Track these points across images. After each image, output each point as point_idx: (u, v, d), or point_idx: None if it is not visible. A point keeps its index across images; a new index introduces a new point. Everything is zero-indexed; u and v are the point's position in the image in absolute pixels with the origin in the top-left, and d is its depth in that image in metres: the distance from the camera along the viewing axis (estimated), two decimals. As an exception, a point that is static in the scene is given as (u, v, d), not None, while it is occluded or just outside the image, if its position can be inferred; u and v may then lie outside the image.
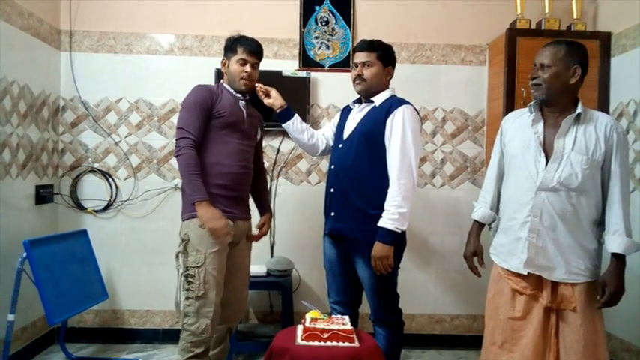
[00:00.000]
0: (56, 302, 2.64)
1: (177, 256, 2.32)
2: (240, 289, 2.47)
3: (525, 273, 1.97)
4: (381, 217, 2.21)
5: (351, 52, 3.34)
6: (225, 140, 2.33)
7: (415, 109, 2.35)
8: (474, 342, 3.25)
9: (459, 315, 3.44)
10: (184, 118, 2.28)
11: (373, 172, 2.28)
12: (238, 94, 2.43)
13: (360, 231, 2.27)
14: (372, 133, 2.29)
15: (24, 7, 2.91)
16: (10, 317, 2.57)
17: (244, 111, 2.43)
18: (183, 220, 2.34)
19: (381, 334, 2.38)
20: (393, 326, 2.40)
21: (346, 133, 2.40)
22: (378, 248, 2.19)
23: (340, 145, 2.40)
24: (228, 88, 2.43)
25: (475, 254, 2.23)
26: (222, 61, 2.47)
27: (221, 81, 2.50)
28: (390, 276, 2.29)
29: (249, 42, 2.41)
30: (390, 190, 2.21)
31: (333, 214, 2.37)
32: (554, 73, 1.94)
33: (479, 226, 2.27)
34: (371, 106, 2.37)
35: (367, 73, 2.35)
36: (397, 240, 2.22)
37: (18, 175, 2.89)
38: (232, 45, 2.41)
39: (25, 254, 2.61)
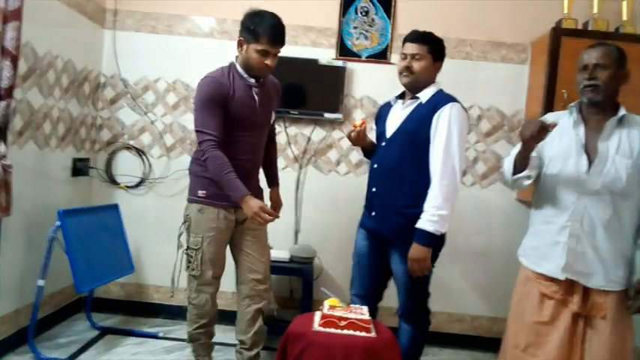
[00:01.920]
0: (85, 271, 2.73)
1: (179, 236, 2.45)
2: (257, 266, 2.44)
3: (563, 278, 1.92)
4: (420, 217, 2.14)
5: (389, 44, 3.32)
6: (235, 135, 2.28)
7: (463, 107, 2.25)
8: (492, 344, 3.18)
9: (480, 316, 3.39)
10: (200, 119, 2.21)
11: (417, 172, 2.20)
12: (252, 79, 2.30)
13: (400, 230, 2.21)
14: (418, 131, 2.20)
15: (72, -17, 3.00)
16: (40, 282, 2.66)
17: (257, 99, 2.32)
18: (188, 201, 2.41)
19: (405, 330, 2.36)
20: (420, 324, 2.37)
21: (389, 131, 2.30)
22: (416, 250, 2.13)
23: (384, 144, 2.31)
24: (241, 72, 2.29)
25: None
26: (238, 41, 2.25)
27: (233, 62, 2.32)
28: (421, 280, 2.23)
29: (273, 31, 2.19)
30: (430, 191, 2.14)
31: (373, 213, 2.33)
32: (612, 74, 1.88)
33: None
34: (416, 103, 2.26)
35: (416, 66, 2.22)
36: (436, 242, 2.16)
37: (57, 146, 2.99)
38: (254, 29, 2.19)
39: (58, 223, 2.69)
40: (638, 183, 1.87)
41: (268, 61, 2.21)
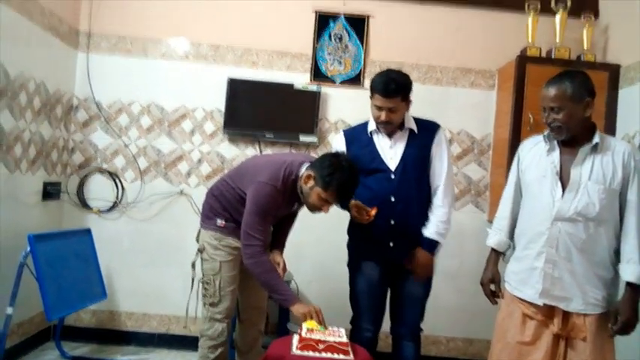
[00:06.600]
0: (56, 298, 2.66)
1: (192, 265, 2.43)
2: (261, 296, 2.53)
3: (541, 304, 1.95)
4: (427, 227, 2.32)
5: (362, 70, 3.39)
6: None
7: None
8: (468, 365, 3.24)
9: (455, 337, 3.42)
10: (251, 222, 2.21)
11: (427, 195, 2.37)
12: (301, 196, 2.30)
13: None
14: (423, 157, 2.35)
15: (45, 6, 2.98)
16: (9, 310, 2.58)
17: (295, 207, 2.44)
18: (203, 228, 2.42)
19: (411, 347, 2.44)
20: (419, 340, 2.50)
21: (392, 164, 2.34)
22: (425, 257, 2.32)
23: (393, 177, 2.32)
24: (299, 194, 2.28)
25: (492, 281, 2.17)
26: (307, 174, 2.20)
27: (299, 175, 2.26)
28: (430, 289, 2.46)
29: (343, 191, 2.17)
30: (440, 206, 2.33)
31: (391, 244, 2.34)
32: (569, 113, 1.89)
33: (497, 253, 2.20)
34: (407, 132, 2.36)
35: (395, 117, 2.28)
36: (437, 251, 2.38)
37: (27, 170, 2.93)
38: (328, 181, 2.13)
39: (28, 248, 2.63)
40: (614, 208, 1.89)
41: (325, 209, 2.23)
